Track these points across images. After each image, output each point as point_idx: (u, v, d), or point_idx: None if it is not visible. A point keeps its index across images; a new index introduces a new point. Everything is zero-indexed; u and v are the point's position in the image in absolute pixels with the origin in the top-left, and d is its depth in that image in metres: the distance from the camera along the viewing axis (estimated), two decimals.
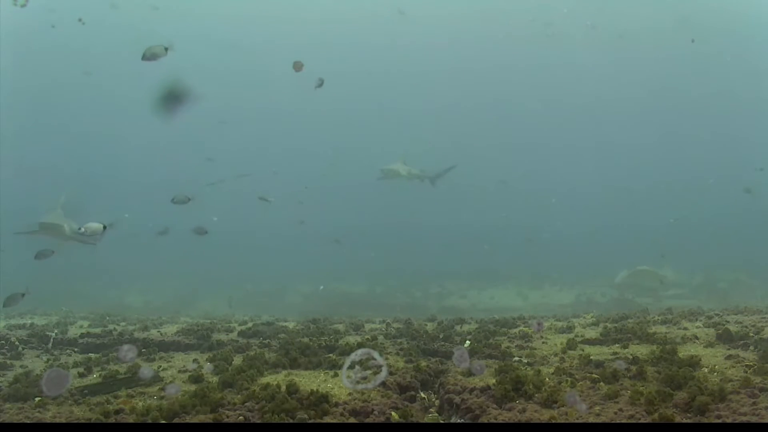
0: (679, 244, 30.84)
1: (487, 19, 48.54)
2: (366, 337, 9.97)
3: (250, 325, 11.98)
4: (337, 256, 33.70)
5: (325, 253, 33.61)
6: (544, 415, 5.37)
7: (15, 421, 5.62)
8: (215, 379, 6.97)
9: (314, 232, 34.17)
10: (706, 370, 6.50)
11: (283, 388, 6.17)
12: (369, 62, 49.99)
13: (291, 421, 5.43)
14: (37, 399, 6.25)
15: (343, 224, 40.84)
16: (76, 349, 9.72)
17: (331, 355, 8.14)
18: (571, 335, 9.22)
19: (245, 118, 52.68)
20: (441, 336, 9.49)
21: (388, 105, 53.14)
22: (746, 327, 8.59)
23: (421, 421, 5.88)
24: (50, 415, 5.84)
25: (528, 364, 7.42)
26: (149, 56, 9.64)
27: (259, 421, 5.47)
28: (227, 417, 5.52)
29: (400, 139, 43.63)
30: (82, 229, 10.48)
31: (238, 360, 8.08)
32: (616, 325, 9.78)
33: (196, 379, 7.08)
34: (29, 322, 13.05)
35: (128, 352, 7.91)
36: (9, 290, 9.72)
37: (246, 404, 5.83)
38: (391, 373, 6.94)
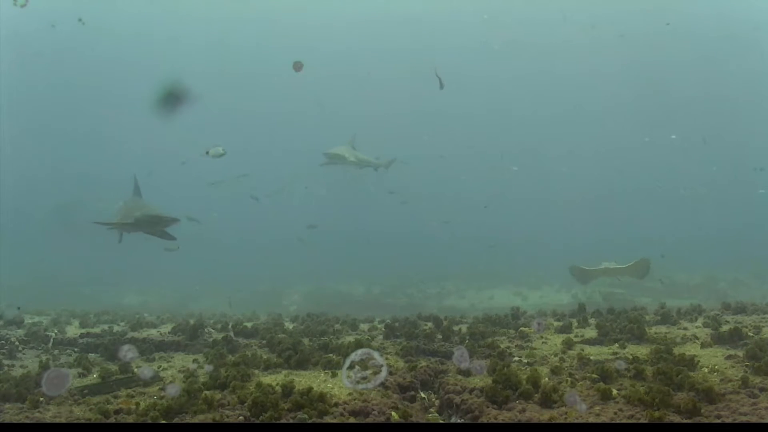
0: (680, 244, 30.92)
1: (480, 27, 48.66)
2: (365, 336, 9.97)
3: (249, 324, 11.97)
4: (336, 257, 33.70)
5: (324, 254, 33.64)
6: (543, 415, 5.37)
7: (15, 421, 5.62)
8: (211, 379, 6.95)
9: (314, 233, 34.17)
10: (705, 370, 6.51)
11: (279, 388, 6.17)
12: (368, 65, 49.92)
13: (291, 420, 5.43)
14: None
15: (343, 226, 40.90)
16: (76, 349, 9.71)
17: (330, 354, 8.14)
18: (570, 335, 9.22)
19: (243, 119, 52.75)
20: (439, 335, 9.49)
21: (385, 108, 53.25)
22: (746, 327, 8.59)
23: (421, 421, 5.89)
24: (50, 415, 5.84)
25: (528, 364, 7.42)
26: (212, 155, 10.59)
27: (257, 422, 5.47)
28: (227, 417, 5.52)
29: (397, 142, 43.71)
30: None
31: (235, 359, 8.06)
32: (615, 324, 9.77)
33: (191, 380, 7.04)
34: (26, 321, 13.03)
35: (128, 351, 7.91)
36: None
37: (245, 404, 5.82)
38: (390, 373, 6.94)
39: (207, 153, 10.98)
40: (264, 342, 9.63)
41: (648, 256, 13.34)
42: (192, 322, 11.77)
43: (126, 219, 10.79)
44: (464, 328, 10.43)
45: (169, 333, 10.71)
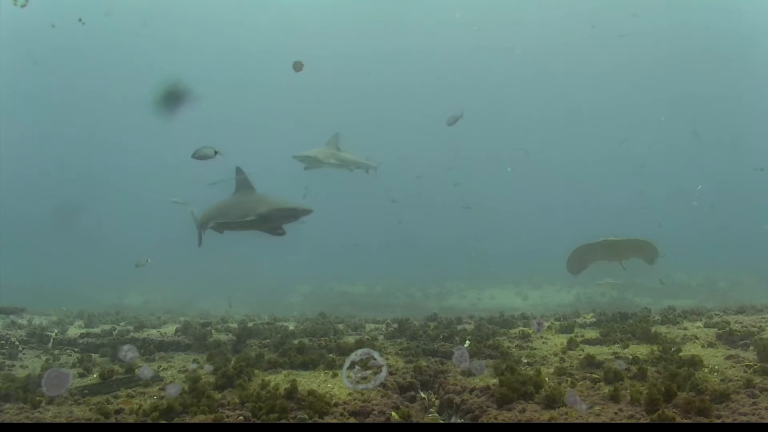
0: (680, 245, 30.86)
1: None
2: (366, 336, 9.97)
3: (251, 324, 11.97)
4: (337, 257, 33.66)
5: (325, 254, 33.61)
6: (544, 416, 5.36)
7: (15, 421, 5.62)
8: (212, 379, 6.95)
9: (314, 234, 34.19)
10: (706, 370, 6.50)
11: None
12: (367, 67, 49.84)
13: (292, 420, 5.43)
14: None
15: (343, 228, 40.86)
16: (76, 349, 9.70)
17: (330, 354, 8.14)
18: (571, 335, 9.21)
19: (242, 121, 52.79)
20: (441, 336, 9.48)
21: (385, 111, 53.28)
22: (747, 327, 8.58)
23: (421, 421, 5.88)
24: (50, 415, 5.83)
25: (528, 364, 7.41)
26: (199, 156, 9.34)
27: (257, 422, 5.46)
28: (227, 417, 5.51)
29: (398, 145, 43.73)
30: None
31: (236, 359, 8.05)
32: (616, 324, 9.77)
33: (193, 380, 7.03)
34: (26, 321, 13.04)
35: (128, 351, 7.90)
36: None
37: (245, 404, 5.82)
38: (391, 373, 6.93)
39: (194, 155, 9.36)
40: (266, 342, 9.63)
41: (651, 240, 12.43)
42: (194, 322, 11.78)
43: (248, 216, 9.49)
44: (469, 327, 10.43)
45: (171, 333, 10.72)
